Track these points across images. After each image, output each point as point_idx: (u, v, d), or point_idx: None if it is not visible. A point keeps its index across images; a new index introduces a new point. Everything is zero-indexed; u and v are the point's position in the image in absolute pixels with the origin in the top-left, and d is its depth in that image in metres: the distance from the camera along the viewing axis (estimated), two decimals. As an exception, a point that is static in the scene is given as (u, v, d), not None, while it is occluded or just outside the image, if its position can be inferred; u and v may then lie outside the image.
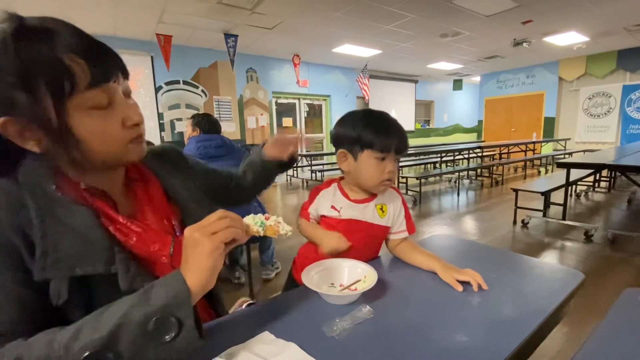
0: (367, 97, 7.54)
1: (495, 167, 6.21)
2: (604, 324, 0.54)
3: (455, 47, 6.24)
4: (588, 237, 2.83)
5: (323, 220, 0.87)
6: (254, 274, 2.09)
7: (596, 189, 4.64)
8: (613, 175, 4.75)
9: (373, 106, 8.29)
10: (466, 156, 6.39)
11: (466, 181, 6.01)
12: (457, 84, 9.46)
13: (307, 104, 7.61)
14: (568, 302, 0.64)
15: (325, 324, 0.55)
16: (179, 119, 5.41)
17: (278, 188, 6.02)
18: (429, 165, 7.28)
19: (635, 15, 4.86)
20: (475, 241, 0.93)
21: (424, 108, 10.28)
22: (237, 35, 4.99)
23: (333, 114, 7.78)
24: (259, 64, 6.44)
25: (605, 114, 7.45)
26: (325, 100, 7.72)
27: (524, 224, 3.23)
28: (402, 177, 4.80)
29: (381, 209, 0.86)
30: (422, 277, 0.75)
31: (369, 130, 0.78)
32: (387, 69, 8.15)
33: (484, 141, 9.19)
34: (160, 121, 5.31)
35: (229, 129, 5.76)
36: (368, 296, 0.63)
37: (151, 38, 4.87)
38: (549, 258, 2.55)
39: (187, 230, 0.46)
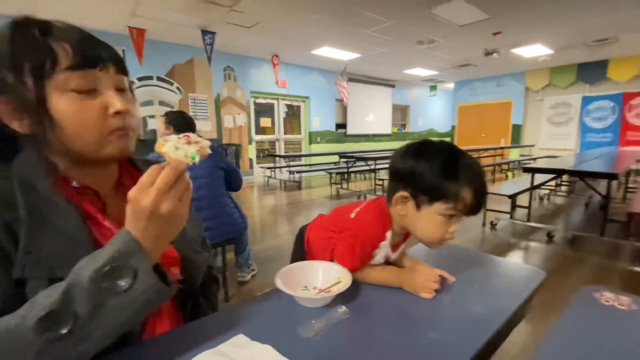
0: (345, 100, 7.62)
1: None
2: (561, 322, 0.57)
3: (431, 55, 6.44)
4: (550, 237, 3.01)
5: None
6: (229, 277, 2.06)
7: (558, 193, 4.94)
8: (572, 180, 5.08)
9: (353, 110, 8.41)
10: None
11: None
12: (433, 90, 9.78)
13: (286, 105, 7.59)
14: (531, 299, 0.67)
15: (301, 326, 0.55)
16: (152, 116, 5.22)
17: (255, 189, 5.95)
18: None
19: (594, 32, 5.24)
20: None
21: (400, 112, 10.53)
22: (215, 33, 4.89)
23: (312, 115, 7.80)
24: (237, 63, 6.34)
25: (566, 122, 7.96)
26: (304, 101, 7.72)
27: (493, 226, 3.38)
28: (379, 180, 4.89)
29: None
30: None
31: (455, 182, 0.61)
32: (366, 73, 8.28)
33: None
34: (132, 118, 5.10)
35: (205, 128, 5.63)
36: (343, 297, 0.64)
37: (123, 31, 4.67)
38: (515, 257, 2.69)
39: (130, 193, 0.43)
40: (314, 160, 7.43)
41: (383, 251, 0.71)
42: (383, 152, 6.51)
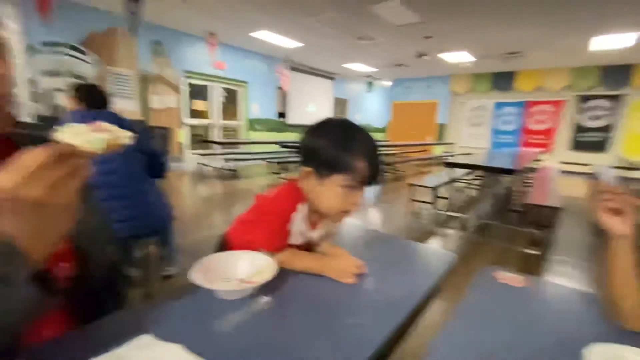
0: (285, 88, 7.51)
1: (398, 165, 6.91)
2: (465, 300, 0.63)
3: (370, 51, 6.68)
4: (464, 225, 3.39)
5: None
6: (152, 271, 1.89)
7: (472, 186, 5.58)
8: (484, 175, 5.78)
9: (293, 99, 8.33)
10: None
11: (374, 176, 6.54)
12: (370, 86, 10.19)
13: (225, 89, 7.19)
14: (443, 279, 0.74)
15: (219, 320, 0.52)
16: (60, 90, 4.49)
17: (187, 177, 5.56)
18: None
19: (506, 45, 5.96)
20: (374, 229, 1.00)
21: (340, 105, 10.77)
22: (141, 0, 4.36)
23: (251, 101, 7.53)
24: (169, 38, 5.77)
25: (481, 124, 9.01)
26: (242, 86, 7.40)
27: (418, 215, 3.69)
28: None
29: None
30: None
31: (349, 154, 0.65)
32: (308, 63, 8.25)
33: (389, 141, 10.14)
34: (33, 89, 4.33)
35: (128, 107, 5.05)
36: (268, 288, 0.62)
37: (21, -17, 3.89)
38: (435, 244, 2.97)
39: None
40: (252, 148, 7.21)
41: (298, 226, 0.72)
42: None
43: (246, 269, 0.66)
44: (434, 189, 3.60)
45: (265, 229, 0.72)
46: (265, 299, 0.58)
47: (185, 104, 6.33)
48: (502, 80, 8.39)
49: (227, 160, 6.18)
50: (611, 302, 0.58)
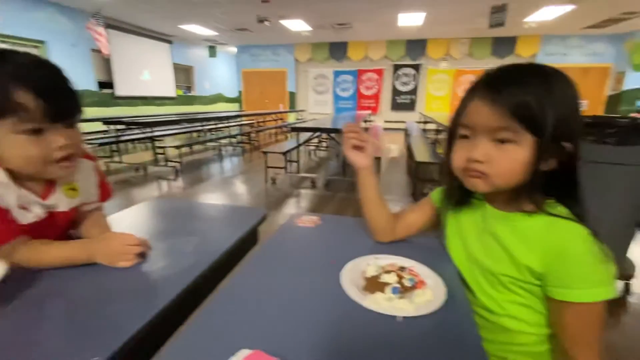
0: (104, 52, 6.13)
1: (254, 134, 6.88)
2: (267, 242, 0.68)
3: (208, 13, 6.11)
4: (313, 184, 3.73)
5: None
6: None
7: (320, 148, 6.16)
8: (329, 137, 6.45)
9: (120, 66, 6.92)
10: (227, 124, 6.67)
11: (230, 148, 6.33)
12: (212, 51, 9.48)
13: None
14: (255, 232, 0.76)
15: None
16: None
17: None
18: (194, 134, 7.07)
19: (336, 16, 6.53)
20: (186, 200, 0.94)
21: (184, 73, 9.68)
22: None
23: (55, 69, 5.82)
24: None
25: (325, 91, 9.88)
26: (37, 47, 5.60)
27: (274, 181, 3.82)
28: (160, 148, 4.38)
29: (72, 189, 0.63)
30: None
31: (2, 90, 0.48)
32: (133, 22, 6.91)
33: (244, 111, 9.93)
34: None
35: None
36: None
37: None
38: (291, 205, 3.16)
39: None
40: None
41: (8, 198, 0.53)
42: (168, 116, 5.85)
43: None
44: (284, 154, 3.77)
45: None
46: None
47: None
48: (337, 50, 9.30)
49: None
50: (367, 221, 0.72)
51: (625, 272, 1.64)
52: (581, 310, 0.46)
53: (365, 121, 6.68)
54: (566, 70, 0.46)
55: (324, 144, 6.36)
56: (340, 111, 9.64)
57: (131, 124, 4.09)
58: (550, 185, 0.50)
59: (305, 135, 4.80)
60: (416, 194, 3.35)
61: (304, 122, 8.25)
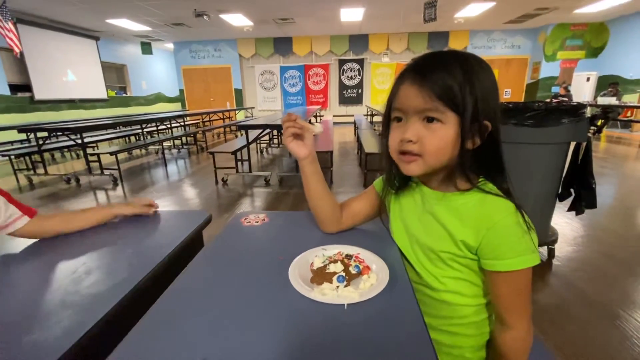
0: (17, 50, 5.38)
1: (199, 135, 6.55)
2: (211, 243, 0.64)
3: (139, 6, 5.64)
4: (267, 181, 3.66)
5: None
6: None
7: (272, 145, 6.07)
8: (280, 133, 6.38)
9: (38, 66, 6.14)
10: (168, 126, 6.28)
11: (174, 151, 5.96)
12: (146, 48, 8.82)
13: None
14: (200, 236, 0.72)
15: None
16: None
17: None
18: (132, 138, 6.54)
19: (277, 11, 6.43)
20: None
21: (116, 72, 8.87)
22: None
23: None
24: None
25: (272, 87, 9.72)
26: None
27: (224, 182, 3.68)
28: (93, 155, 3.98)
29: None
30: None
31: None
32: (51, 16, 6.14)
33: (187, 110, 9.40)
34: None
35: None
36: None
37: None
38: (245, 205, 3.07)
39: None
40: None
41: None
42: (99, 120, 5.30)
43: None
44: (234, 153, 3.65)
45: None
46: None
47: None
48: (282, 45, 9.18)
49: None
50: (314, 212, 0.72)
51: (549, 239, 1.86)
52: (511, 278, 0.50)
53: (316, 116, 6.71)
54: (491, 61, 0.50)
55: (276, 141, 6.28)
56: (290, 107, 9.57)
57: (54, 130, 3.64)
58: (479, 164, 0.53)
59: (255, 133, 4.68)
60: (367, 185, 3.46)
61: (253, 119, 8.06)
